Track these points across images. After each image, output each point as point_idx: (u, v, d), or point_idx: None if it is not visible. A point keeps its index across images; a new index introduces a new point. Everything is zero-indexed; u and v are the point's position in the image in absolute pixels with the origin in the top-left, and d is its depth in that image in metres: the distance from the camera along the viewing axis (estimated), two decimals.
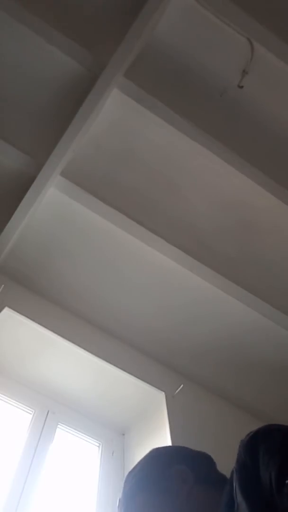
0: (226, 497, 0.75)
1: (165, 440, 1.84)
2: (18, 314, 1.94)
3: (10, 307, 1.92)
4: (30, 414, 1.97)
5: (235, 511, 0.70)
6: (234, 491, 0.71)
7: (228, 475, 0.78)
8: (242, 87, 1.95)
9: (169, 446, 1.10)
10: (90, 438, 2.07)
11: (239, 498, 0.69)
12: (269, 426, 0.75)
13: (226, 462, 0.86)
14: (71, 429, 2.04)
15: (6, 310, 1.91)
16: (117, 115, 1.92)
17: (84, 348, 2.01)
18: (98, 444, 2.07)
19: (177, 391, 2.10)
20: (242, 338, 2.29)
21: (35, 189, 1.90)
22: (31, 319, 1.95)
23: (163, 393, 2.07)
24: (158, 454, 1.08)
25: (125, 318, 2.23)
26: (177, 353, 2.28)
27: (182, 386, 2.12)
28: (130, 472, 1.06)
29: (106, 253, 2.12)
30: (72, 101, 1.87)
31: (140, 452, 1.93)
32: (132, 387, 2.08)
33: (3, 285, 1.93)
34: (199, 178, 2.07)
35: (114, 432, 2.15)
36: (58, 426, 2.00)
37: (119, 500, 1.02)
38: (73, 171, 1.95)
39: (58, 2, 1.84)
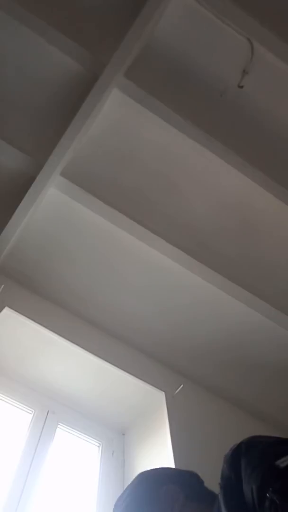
0: None
1: (165, 440, 1.84)
2: (18, 314, 1.94)
3: (10, 307, 1.92)
4: (30, 414, 1.97)
5: None
6: (220, 507, 0.71)
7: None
8: (242, 87, 1.96)
9: (156, 468, 1.12)
10: (90, 438, 2.07)
11: None
12: (251, 439, 0.75)
13: None
14: (71, 429, 2.04)
15: (6, 310, 1.91)
16: (117, 115, 1.92)
17: (84, 348, 2.01)
18: (98, 444, 2.07)
19: (177, 391, 2.10)
20: (242, 338, 2.29)
21: (35, 189, 1.90)
22: (31, 319, 1.95)
23: (163, 393, 2.07)
24: (146, 477, 1.08)
25: (125, 318, 2.23)
26: (177, 353, 2.28)
27: (182, 386, 2.12)
28: (120, 497, 1.06)
29: (106, 253, 2.12)
30: (72, 101, 1.88)
31: (140, 452, 1.94)
32: (132, 387, 2.08)
33: (3, 285, 1.93)
34: (199, 178, 2.07)
35: (114, 432, 2.15)
36: (58, 426, 2.00)
37: None
38: (73, 171, 1.95)
39: (58, 2, 1.84)
